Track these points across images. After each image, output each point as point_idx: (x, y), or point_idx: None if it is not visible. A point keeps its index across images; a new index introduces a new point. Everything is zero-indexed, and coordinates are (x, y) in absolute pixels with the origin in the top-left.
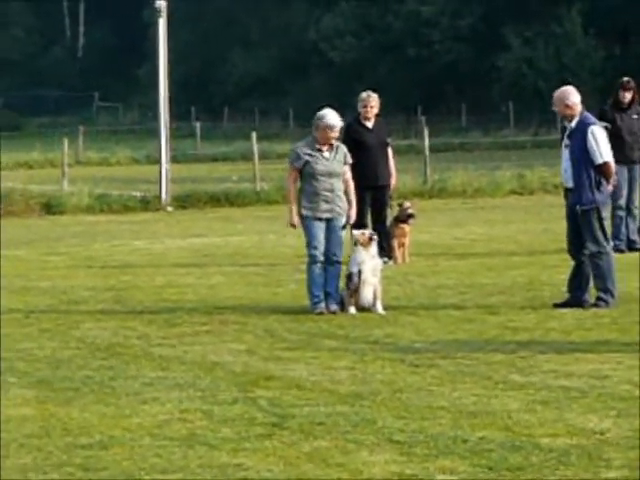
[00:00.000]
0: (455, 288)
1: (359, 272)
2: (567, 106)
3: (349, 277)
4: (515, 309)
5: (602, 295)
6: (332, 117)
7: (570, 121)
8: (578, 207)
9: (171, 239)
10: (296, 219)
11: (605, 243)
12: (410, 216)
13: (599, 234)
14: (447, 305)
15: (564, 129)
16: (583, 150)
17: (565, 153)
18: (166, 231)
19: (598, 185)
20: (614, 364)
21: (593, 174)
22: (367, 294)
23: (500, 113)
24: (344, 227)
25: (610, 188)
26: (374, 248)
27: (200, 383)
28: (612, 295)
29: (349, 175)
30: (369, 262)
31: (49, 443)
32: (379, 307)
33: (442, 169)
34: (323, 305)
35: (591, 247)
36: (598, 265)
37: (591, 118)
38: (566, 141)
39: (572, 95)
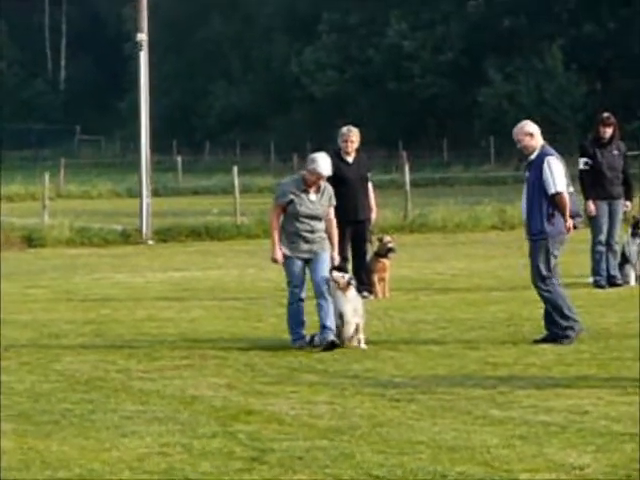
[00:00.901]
0: (435, 323)
1: (340, 315)
2: (527, 134)
3: None
4: (495, 344)
5: (560, 332)
6: (324, 166)
7: (530, 154)
8: (527, 237)
9: (152, 273)
10: (279, 254)
11: (549, 275)
12: (390, 250)
13: (542, 267)
14: (427, 340)
15: (526, 165)
16: (539, 181)
17: (524, 187)
18: (147, 264)
19: (549, 216)
20: (594, 399)
21: (545, 205)
22: (348, 331)
23: (481, 148)
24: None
25: (570, 223)
26: (352, 291)
27: (180, 417)
28: (572, 328)
29: (332, 215)
30: (349, 305)
31: (28, 476)
32: (361, 342)
33: (423, 204)
34: (305, 340)
35: (536, 280)
36: (547, 299)
37: (550, 150)
38: (525, 174)
39: (528, 125)
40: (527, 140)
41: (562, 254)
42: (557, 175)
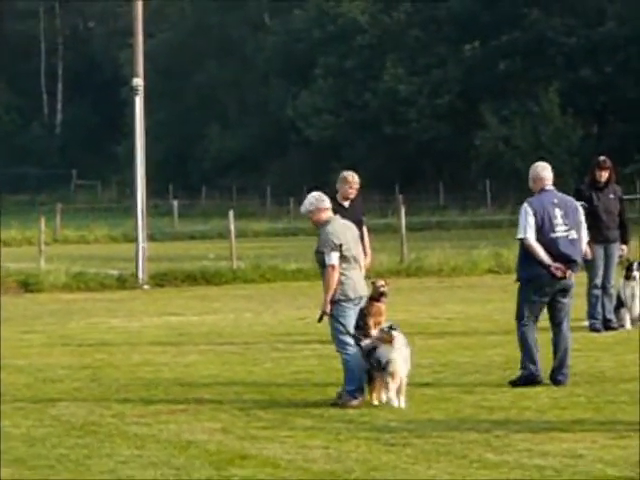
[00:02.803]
0: (431, 367)
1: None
2: (530, 178)
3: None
4: (491, 388)
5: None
6: (306, 201)
7: None
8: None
9: (148, 317)
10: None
11: (522, 317)
12: (382, 294)
13: (518, 308)
14: (423, 384)
15: None
16: None
17: None
18: (142, 309)
19: (521, 261)
20: (589, 443)
21: (520, 250)
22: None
23: (477, 191)
24: (320, 318)
25: (554, 267)
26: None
27: (175, 461)
28: (524, 368)
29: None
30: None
31: None
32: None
33: (419, 248)
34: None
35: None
36: (518, 338)
37: (535, 195)
38: None
39: (533, 168)
40: (533, 180)
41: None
42: (522, 220)
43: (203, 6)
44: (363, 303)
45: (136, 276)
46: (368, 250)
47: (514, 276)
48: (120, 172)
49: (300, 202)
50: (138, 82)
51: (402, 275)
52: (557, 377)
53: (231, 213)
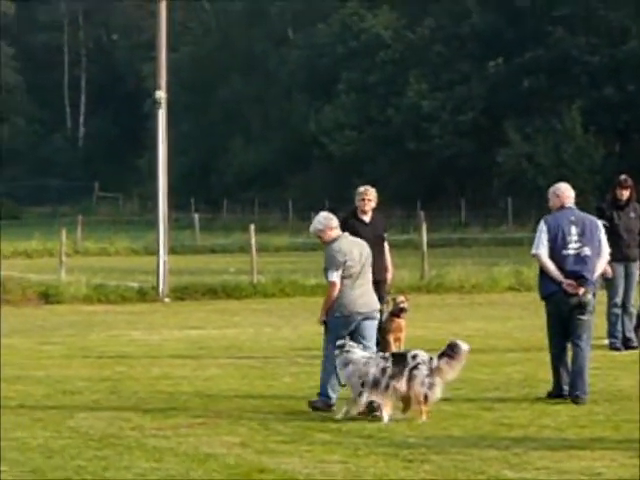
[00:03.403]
0: (450, 383)
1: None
2: (551, 194)
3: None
4: (510, 405)
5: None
6: (315, 221)
7: None
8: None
9: (168, 330)
10: None
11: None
12: (402, 310)
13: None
14: (441, 401)
15: None
16: None
17: None
18: (163, 322)
19: (540, 278)
20: (607, 461)
21: (539, 267)
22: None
23: (499, 209)
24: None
25: (566, 284)
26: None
27: (193, 475)
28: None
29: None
30: None
31: None
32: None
33: (440, 264)
34: None
35: None
36: None
37: (553, 213)
38: None
39: (556, 187)
40: (551, 199)
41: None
42: (536, 236)
43: (227, 20)
44: (372, 317)
45: (157, 289)
46: (389, 266)
47: (534, 294)
48: (142, 185)
49: None
50: (161, 95)
51: (423, 291)
52: (576, 394)
53: (252, 227)
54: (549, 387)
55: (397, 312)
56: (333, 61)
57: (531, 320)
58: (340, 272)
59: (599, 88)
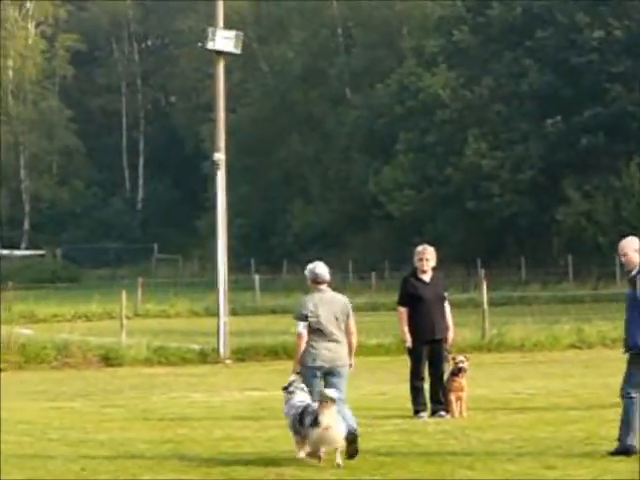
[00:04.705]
0: (512, 442)
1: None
2: (635, 250)
3: None
4: (573, 463)
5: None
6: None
7: (631, 269)
8: (625, 352)
9: (229, 392)
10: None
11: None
12: (460, 370)
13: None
14: (504, 459)
15: (628, 281)
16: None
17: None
18: (224, 384)
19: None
20: None
21: None
22: None
23: (559, 266)
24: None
25: None
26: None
27: None
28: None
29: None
30: None
31: None
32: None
33: (501, 323)
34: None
35: (622, 387)
36: (623, 407)
37: None
38: (628, 290)
39: (636, 242)
40: (631, 255)
41: None
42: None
43: (285, 81)
44: (335, 373)
45: (218, 351)
46: (450, 325)
47: (596, 351)
48: (201, 246)
49: (382, 277)
50: (220, 157)
51: (484, 350)
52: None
53: None
54: (612, 445)
55: (456, 372)
56: (391, 121)
57: (593, 378)
58: (305, 324)
59: None
